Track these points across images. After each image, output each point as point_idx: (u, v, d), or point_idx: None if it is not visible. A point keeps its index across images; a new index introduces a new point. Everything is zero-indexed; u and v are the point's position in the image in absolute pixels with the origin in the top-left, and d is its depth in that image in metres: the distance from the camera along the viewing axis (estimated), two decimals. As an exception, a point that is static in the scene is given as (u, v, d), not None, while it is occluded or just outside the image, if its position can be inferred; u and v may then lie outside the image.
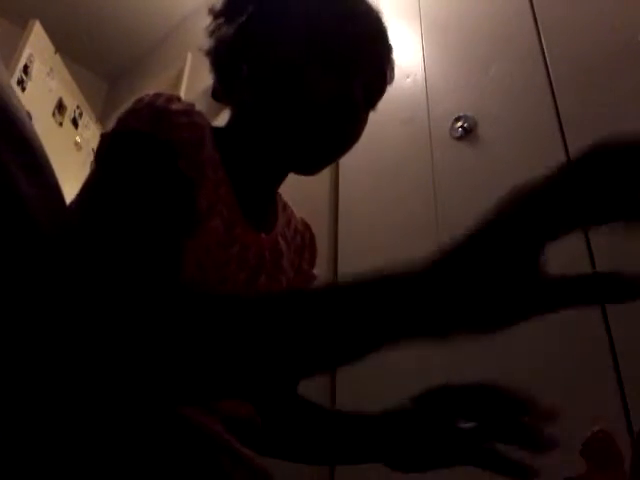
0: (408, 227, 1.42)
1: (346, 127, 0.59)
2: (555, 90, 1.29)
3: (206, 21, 0.66)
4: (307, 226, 0.77)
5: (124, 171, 0.49)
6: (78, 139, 2.91)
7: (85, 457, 0.38)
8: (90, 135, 3.07)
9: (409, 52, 1.66)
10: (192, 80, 2.64)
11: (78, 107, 2.94)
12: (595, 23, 1.28)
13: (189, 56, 2.78)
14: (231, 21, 0.64)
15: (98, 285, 0.38)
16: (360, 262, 1.49)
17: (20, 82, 2.36)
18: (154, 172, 0.49)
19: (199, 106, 0.58)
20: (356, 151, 0.64)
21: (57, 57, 2.72)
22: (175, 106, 0.54)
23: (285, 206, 0.74)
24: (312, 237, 0.77)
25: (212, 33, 0.66)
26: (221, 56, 0.65)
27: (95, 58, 3.40)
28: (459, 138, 1.41)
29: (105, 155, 0.53)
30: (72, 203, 0.54)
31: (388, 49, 0.64)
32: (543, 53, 1.35)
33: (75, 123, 2.91)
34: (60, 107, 2.74)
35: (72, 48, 3.12)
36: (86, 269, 0.38)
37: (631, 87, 1.15)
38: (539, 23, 1.39)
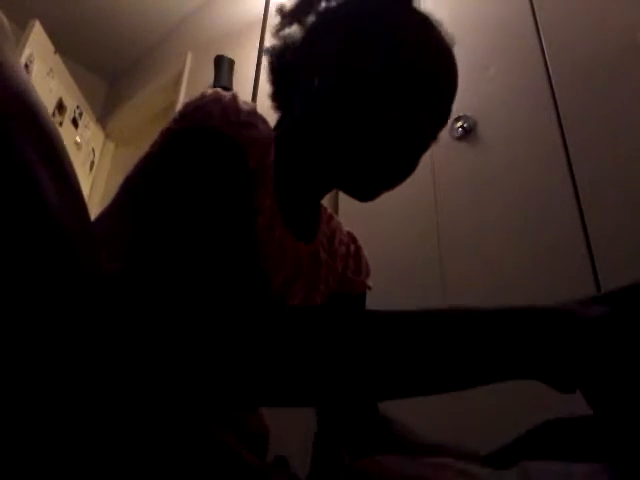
0: (408, 227, 1.42)
1: (411, 155, 0.58)
2: (555, 90, 1.29)
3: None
4: (353, 239, 0.77)
5: (196, 170, 0.47)
6: (78, 139, 2.91)
7: (92, 458, 0.38)
8: (90, 135, 3.07)
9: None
10: (192, 80, 2.64)
11: (78, 107, 2.95)
12: (595, 23, 1.28)
13: (189, 56, 2.78)
14: (300, 22, 0.61)
15: (175, 303, 0.38)
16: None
17: (20, 82, 2.36)
18: (227, 171, 0.48)
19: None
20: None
21: (57, 57, 2.72)
22: (242, 105, 0.52)
23: (330, 218, 0.74)
24: (358, 248, 0.77)
25: (277, 32, 0.63)
26: (285, 59, 0.63)
27: (95, 58, 3.40)
28: (459, 138, 1.41)
29: (173, 152, 0.50)
30: (115, 199, 0.55)
31: (455, 84, 0.62)
32: (543, 53, 1.35)
33: (75, 123, 2.91)
34: (60, 107, 2.74)
35: (72, 48, 3.12)
36: (158, 286, 0.38)
37: (631, 87, 1.15)
38: (539, 23, 1.39)
